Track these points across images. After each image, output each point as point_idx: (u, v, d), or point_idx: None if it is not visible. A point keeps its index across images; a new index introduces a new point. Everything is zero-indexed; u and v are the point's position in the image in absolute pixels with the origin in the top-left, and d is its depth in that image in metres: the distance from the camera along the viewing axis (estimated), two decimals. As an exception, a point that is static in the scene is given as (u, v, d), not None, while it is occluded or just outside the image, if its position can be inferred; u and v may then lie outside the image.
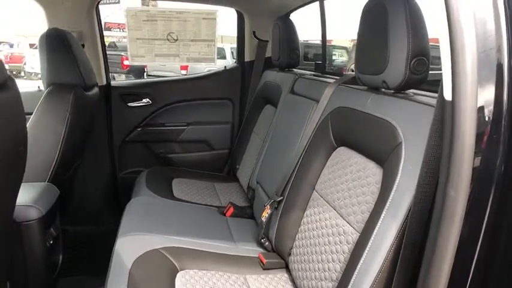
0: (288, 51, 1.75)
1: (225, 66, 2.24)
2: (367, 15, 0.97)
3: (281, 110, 1.64)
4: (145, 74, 11.38)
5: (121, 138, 2.14)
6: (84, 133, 1.74)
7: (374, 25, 0.93)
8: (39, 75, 1.61)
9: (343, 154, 1.06)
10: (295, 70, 1.83)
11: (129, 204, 1.50)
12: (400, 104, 0.88)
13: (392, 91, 0.93)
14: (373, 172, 0.90)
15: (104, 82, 2.05)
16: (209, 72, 2.25)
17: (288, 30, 1.75)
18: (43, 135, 1.42)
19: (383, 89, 0.97)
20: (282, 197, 1.26)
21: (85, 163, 2.00)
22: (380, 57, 0.90)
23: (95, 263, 1.43)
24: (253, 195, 1.68)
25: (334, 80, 1.31)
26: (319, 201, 1.11)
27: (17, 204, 1.18)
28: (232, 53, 13.80)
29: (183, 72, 10.51)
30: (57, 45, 1.47)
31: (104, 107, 2.06)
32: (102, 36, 2.00)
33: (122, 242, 1.21)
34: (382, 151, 0.86)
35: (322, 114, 1.21)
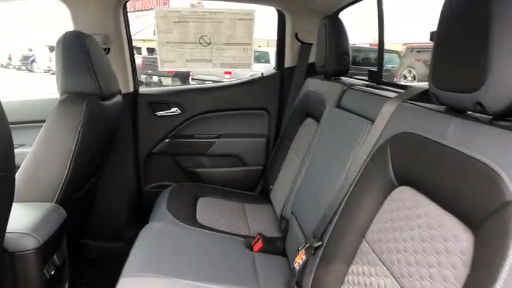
0: (336, 57, 1.48)
1: (262, 73, 2.01)
2: (454, 7, 0.68)
3: (325, 127, 1.37)
4: (190, 78, 11.51)
5: (147, 149, 1.97)
6: (105, 146, 1.58)
7: (465, 21, 0.64)
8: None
9: (407, 198, 0.77)
10: (343, 79, 1.55)
11: (142, 232, 1.31)
12: (503, 138, 0.59)
13: (490, 117, 0.63)
14: (455, 235, 0.61)
15: (131, 89, 1.89)
16: (244, 80, 2.02)
17: (336, 32, 1.48)
18: (51, 151, 1.26)
19: (475, 113, 0.67)
20: (320, 243, 1.00)
21: (109, 175, 1.85)
22: (474, 67, 0.60)
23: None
24: (287, 227, 1.43)
25: (395, 95, 1.02)
26: (370, 257, 0.83)
27: (11, 231, 1.01)
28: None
29: (227, 76, 10.47)
30: (73, 49, 1.31)
31: (130, 116, 1.90)
32: (129, 39, 1.84)
33: (124, 285, 1.01)
34: (474, 208, 0.58)
35: (379, 139, 0.93)
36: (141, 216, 2.04)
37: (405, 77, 9.52)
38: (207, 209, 1.64)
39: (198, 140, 2.00)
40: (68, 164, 1.25)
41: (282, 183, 1.70)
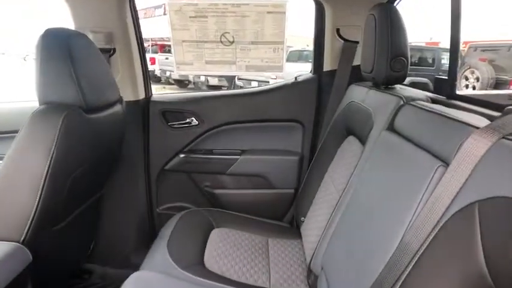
0: (389, 59, 1.10)
1: (296, 78, 1.65)
2: None
3: (372, 154, 1.00)
4: (236, 77, 11.33)
5: (159, 165, 1.70)
6: (100, 165, 1.32)
7: None
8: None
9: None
10: (398, 89, 1.16)
11: (124, 285, 1.02)
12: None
13: None
14: None
15: (142, 96, 1.63)
16: (273, 86, 1.68)
17: (390, 25, 1.09)
18: (19, 175, 1.02)
19: None
20: None
21: (116, 193, 1.61)
22: None
23: None
24: (314, 284, 1.08)
25: (484, 120, 0.64)
26: None
27: None
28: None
29: (273, 76, 10.13)
30: (52, 50, 1.05)
31: (140, 127, 1.64)
32: (139, 38, 1.58)
33: None
34: None
35: (463, 195, 0.56)
36: (152, 240, 1.78)
37: (467, 79, 8.65)
38: (220, 246, 1.32)
39: (218, 157, 1.69)
40: (38, 192, 0.99)
41: (315, 218, 1.35)
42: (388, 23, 1.10)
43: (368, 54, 1.18)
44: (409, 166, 0.78)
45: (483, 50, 8.42)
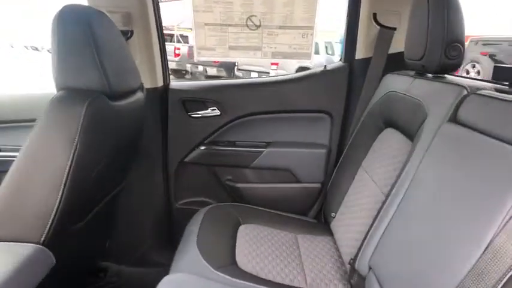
0: (444, 45, 1.00)
1: (325, 66, 1.55)
2: None
3: (432, 149, 0.90)
4: (235, 68, 11.16)
5: (179, 158, 1.60)
6: (121, 157, 1.22)
7: None
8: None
9: None
10: (455, 79, 1.06)
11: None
12: None
13: None
14: None
15: (160, 83, 1.52)
16: (301, 74, 1.58)
17: (447, 6, 1.00)
18: (38, 169, 0.91)
19: None
20: None
21: (132, 187, 1.51)
22: None
23: None
24: (361, 285, 0.99)
25: None
26: None
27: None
28: (326, 47, 12.93)
29: (273, 67, 9.99)
30: (72, 29, 0.94)
31: (158, 116, 1.54)
32: (159, 20, 1.46)
33: None
34: None
35: None
36: (170, 237, 1.70)
37: (467, 72, 8.61)
38: (251, 243, 1.23)
39: (240, 149, 1.59)
40: (60, 189, 0.89)
41: (350, 215, 1.26)
42: (445, 3, 1.00)
43: (416, 39, 1.08)
44: (488, 160, 0.70)
45: (484, 44, 8.43)
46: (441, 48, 0.98)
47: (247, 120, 1.58)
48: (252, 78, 1.57)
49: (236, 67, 11.17)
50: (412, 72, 1.21)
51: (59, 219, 0.91)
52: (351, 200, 1.31)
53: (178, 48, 12.60)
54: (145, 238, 1.64)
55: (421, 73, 1.16)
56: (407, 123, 1.08)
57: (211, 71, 11.18)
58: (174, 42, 13.31)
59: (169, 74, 1.59)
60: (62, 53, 0.94)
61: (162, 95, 1.53)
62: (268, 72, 10.36)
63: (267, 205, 1.57)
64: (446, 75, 1.09)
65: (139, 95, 1.22)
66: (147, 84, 1.46)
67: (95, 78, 0.95)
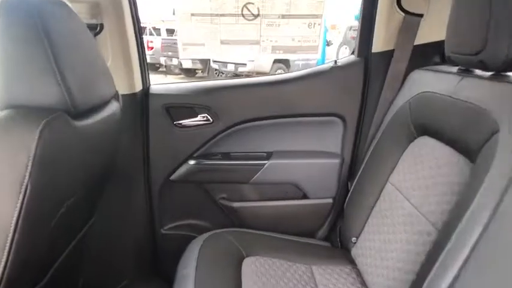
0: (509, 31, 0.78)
1: (336, 61, 1.32)
2: None
3: None
4: (210, 60, 10.76)
5: (163, 175, 1.34)
6: (89, 192, 0.95)
7: None
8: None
9: None
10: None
11: None
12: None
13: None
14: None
15: (138, 87, 1.25)
16: (308, 72, 1.33)
17: None
18: None
19: None
20: None
21: (108, 215, 1.24)
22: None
23: None
24: None
25: None
26: None
27: None
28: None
29: (251, 59, 9.72)
30: (18, 25, 0.66)
31: (137, 127, 1.27)
32: (135, 11, 1.19)
33: None
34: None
35: None
36: (156, 268, 1.44)
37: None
38: (260, 285, 1.00)
39: (237, 162, 1.35)
40: (4, 253, 0.63)
41: (379, 244, 1.04)
42: None
43: (470, 28, 0.86)
44: None
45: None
46: (509, 39, 0.76)
47: (244, 128, 1.33)
48: (249, 78, 1.34)
49: (211, 59, 10.79)
50: (453, 69, 0.99)
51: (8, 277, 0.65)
52: (379, 225, 1.08)
53: (151, 41, 12.11)
54: (126, 272, 1.38)
55: (466, 70, 0.95)
56: (457, 134, 0.86)
57: (187, 64, 10.78)
58: (146, 34, 12.79)
59: (149, 76, 1.32)
60: (6, 58, 0.67)
61: (141, 101, 1.26)
62: (245, 64, 10.05)
63: (270, 226, 1.34)
64: (510, 74, 0.88)
65: (114, 107, 0.94)
66: (123, 90, 1.19)
67: (52, 91, 0.68)
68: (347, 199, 1.28)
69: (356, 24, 1.46)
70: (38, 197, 0.64)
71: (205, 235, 1.21)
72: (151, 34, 12.79)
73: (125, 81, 1.20)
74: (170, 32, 13.30)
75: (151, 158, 1.31)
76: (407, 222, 0.96)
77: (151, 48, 11.98)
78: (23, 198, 0.62)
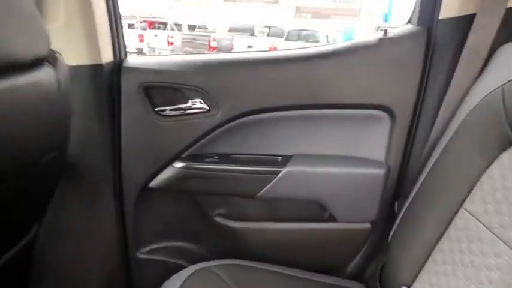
0: None
1: (385, 31, 0.93)
2: None
3: None
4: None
5: (140, 182, 0.98)
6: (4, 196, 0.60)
7: None
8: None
9: None
10: None
11: None
12: None
13: None
14: None
15: (107, 57, 0.90)
16: (344, 46, 0.95)
17: None
18: None
19: None
20: None
21: (65, 232, 0.92)
22: None
23: None
24: None
25: None
26: None
27: None
28: (327, 37, 12.25)
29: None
30: None
31: (104, 114, 0.92)
32: None
33: None
34: None
35: None
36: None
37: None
38: None
39: (241, 168, 0.98)
40: None
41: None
42: None
43: None
44: None
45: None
46: None
47: (253, 121, 0.96)
48: (263, 52, 1.00)
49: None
50: None
51: None
52: (447, 273, 0.70)
53: (172, 37, 11.94)
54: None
55: None
56: None
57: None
58: (167, 30, 12.64)
59: (124, 46, 0.97)
60: None
61: (110, 77, 0.91)
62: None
63: (281, 257, 0.98)
64: None
65: (41, 74, 0.60)
66: (83, 59, 0.85)
67: None
68: (394, 227, 0.89)
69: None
70: None
71: (189, 269, 0.86)
72: (172, 30, 12.63)
73: (86, 48, 0.85)
74: (192, 27, 13.11)
75: (123, 157, 0.96)
76: (503, 268, 0.58)
77: (172, 43, 11.82)
78: None
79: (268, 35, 12.23)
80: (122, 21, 0.97)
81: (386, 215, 1.00)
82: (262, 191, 0.97)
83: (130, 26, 12.74)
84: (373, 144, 0.98)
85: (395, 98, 0.93)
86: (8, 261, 0.72)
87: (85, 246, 0.99)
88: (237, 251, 1.03)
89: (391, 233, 0.89)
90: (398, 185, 0.98)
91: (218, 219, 1.03)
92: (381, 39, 0.91)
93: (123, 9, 0.96)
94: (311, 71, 0.93)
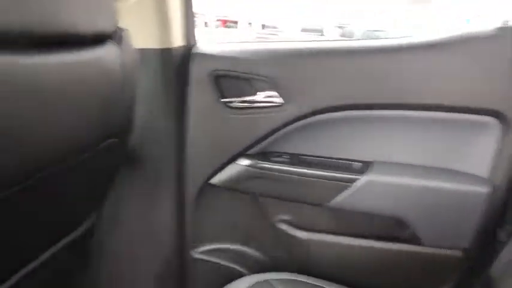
0: None
1: (507, 22, 0.76)
2: None
3: None
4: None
5: (202, 177, 0.92)
6: (61, 180, 0.56)
7: None
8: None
9: None
10: None
11: None
12: None
13: None
14: None
15: (177, 41, 0.84)
16: (452, 38, 0.79)
17: None
18: None
19: None
20: None
21: (120, 224, 0.88)
22: None
23: None
24: None
25: None
26: None
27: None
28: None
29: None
30: None
31: (170, 103, 0.87)
32: None
33: None
34: None
35: None
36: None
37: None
38: None
39: (313, 172, 0.86)
40: None
41: None
42: None
43: None
44: None
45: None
46: None
47: (330, 120, 0.85)
48: (348, 40, 0.90)
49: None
50: None
51: None
52: None
53: (247, 35, 12.11)
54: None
55: None
56: None
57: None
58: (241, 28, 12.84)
59: (194, 30, 0.91)
60: None
61: (179, 63, 0.85)
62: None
63: (349, 277, 0.85)
64: None
65: (103, 50, 0.54)
66: (151, 42, 0.80)
67: None
68: (497, 260, 0.72)
69: None
70: None
71: (248, 279, 0.77)
72: (245, 28, 12.81)
73: (155, 31, 0.80)
74: (264, 26, 13.19)
75: (187, 149, 0.90)
76: None
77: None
78: None
79: (341, 35, 11.86)
80: (196, 19, 0.91)
81: (484, 243, 0.82)
82: (335, 199, 0.85)
83: (205, 24, 13.15)
84: (475, 156, 0.81)
85: (509, 102, 0.76)
86: (68, 245, 0.69)
87: (142, 237, 0.96)
88: (300, 263, 0.92)
89: (493, 265, 0.72)
90: (506, 208, 0.80)
91: (282, 226, 0.93)
92: (499, 30, 0.75)
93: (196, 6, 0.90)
94: (401, 65, 0.80)
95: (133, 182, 0.89)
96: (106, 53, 0.55)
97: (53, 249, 0.65)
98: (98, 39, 0.54)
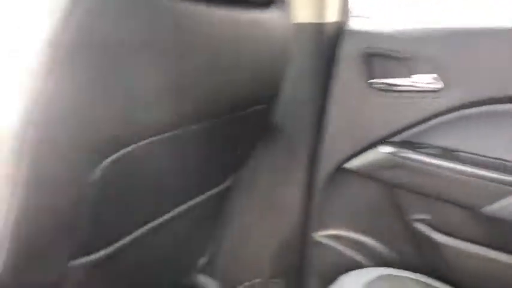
0: None
1: None
2: None
3: None
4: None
5: (337, 160, 0.88)
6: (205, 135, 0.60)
7: None
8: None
9: None
10: None
11: None
12: None
13: None
14: None
15: (331, 17, 0.82)
16: None
17: None
18: None
19: None
20: None
21: (247, 194, 0.92)
22: None
23: None
24: None
25: None
26: None
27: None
28: None
29: None
30: None
31: (315, 79, 0.85)
32: None
33: None
34: None
35: None
36: (292, 279, 1.04)
37: None
38: None
39: (467, 170, 0.76)
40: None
41: None
42: None
43: None
44: None
45: None
46: None
47: (496, 112, 0.73)
48: None
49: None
50: None
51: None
52: None
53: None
54: (258, 270, 1.02)
55: None
56: None
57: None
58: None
59: (348, 5, 0.87)
60: None
61: (331, 39, 0.83)
62: None
63: None
64: None
65: (268, 14, 0.55)
66: (305, 16, 0.79)
67: None
68: None
69: None
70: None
71: (372, 271, 0.72)
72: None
73: (310, 4, 0.78)
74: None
75: (326, 127, 0.87)
76: None
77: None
78: None
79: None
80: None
81: None
82: (492, 205, 0.73)
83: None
84: None
85: None
86: (203, 202, 0.73)
87: (267, 211, 0.97)
88: (433, 268, 0.83)
89: None
90: None
91: (418, 225, 0.84)
92: None
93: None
94: None
95: (268, 154, 0.91)
96: (269, 16, 0.55)
97: (191, 202, 0.70)
98: (265, 1, 0.54)
